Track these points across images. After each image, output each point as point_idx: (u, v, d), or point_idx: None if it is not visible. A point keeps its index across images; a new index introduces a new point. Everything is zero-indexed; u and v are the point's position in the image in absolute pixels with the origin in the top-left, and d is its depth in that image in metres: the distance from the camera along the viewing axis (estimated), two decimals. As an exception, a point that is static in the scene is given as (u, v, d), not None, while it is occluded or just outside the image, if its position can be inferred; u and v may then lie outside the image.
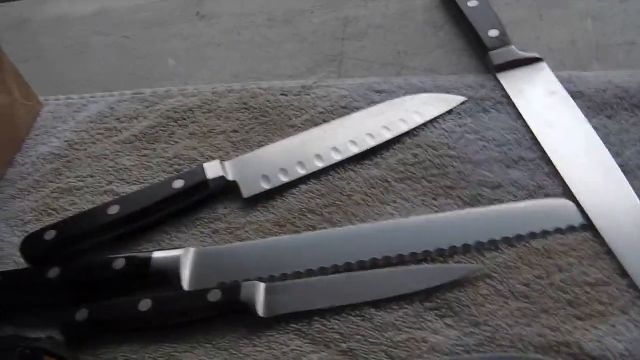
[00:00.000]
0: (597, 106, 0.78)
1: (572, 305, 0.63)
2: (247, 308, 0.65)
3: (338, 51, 0.90)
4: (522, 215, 0.69)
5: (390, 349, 0.63)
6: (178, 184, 0.75)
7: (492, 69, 0.82)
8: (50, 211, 0.80)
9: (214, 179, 0.76)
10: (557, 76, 0.81)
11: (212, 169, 0.76)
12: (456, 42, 0.90)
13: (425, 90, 0.82)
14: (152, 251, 0.71)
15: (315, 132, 0.79)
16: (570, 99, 0.78)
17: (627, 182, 0.70)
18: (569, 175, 0.71)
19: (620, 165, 0.71)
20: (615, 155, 0.73)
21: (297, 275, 0.68)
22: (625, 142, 0.74)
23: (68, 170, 0.84)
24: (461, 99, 0.80)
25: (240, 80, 0.88)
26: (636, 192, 0.69)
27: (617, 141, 0.74)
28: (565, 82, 0.80)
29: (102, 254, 0.73)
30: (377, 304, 0.66)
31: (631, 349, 0.60)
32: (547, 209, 0.69)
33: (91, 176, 0.83)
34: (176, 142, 0.83)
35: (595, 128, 0.75)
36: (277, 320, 0.66)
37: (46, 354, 0.63)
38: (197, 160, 0.80)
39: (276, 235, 0.72)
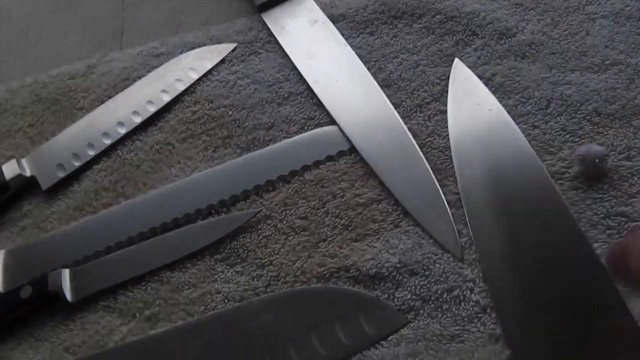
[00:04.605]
0: (358, 25, 0.74)
1: (348, 228, 0.60)
2: (57, 296, 0.62)
3: (119, 23, 0.83)
4: (294, 151, 0.66)
5: (189, 307, 0.60)
6: (-22, 191, 0.69)
7: (256, 10, 0.76)
8: None
9: (13, 179, 0.71)
10: (320, 3, 0.76)
11: (9, 169, 0.71)
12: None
13: (200, 45, 0.77)
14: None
15: (99, 110, 0.74)
16: (331, 24, 0.73)
17: (386, 100, 0.67)
18: (331, 102, 0.67)
19: (384, 80, 0.68)
20: (379, 70, 0.69)
21: (98, 254, 0.64)
22: (387, 55, 0.70)
23: None
24: (232, 46, 0.75)
25: (33, 73, 0.81)
26: (398, 104, 0.67)
27: (380, 56, 0.71)
28: (328, 8, 0.76)
29: None
30: (173, 266, 0.63)
31: (404, 260, 0.58)
32: (316, 139, 0.66)
33: None
34: (-22, 148, 0.76)
35: (358, 47, 0.71)
36: (87, 302, 0.63)
37: None
38: (1, 162, 0.73)
39: (77, 220, 0.67)
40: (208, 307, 0.59)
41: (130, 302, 0.62)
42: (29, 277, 0.65)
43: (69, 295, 0.62)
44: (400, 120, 0.64)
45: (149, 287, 0.62)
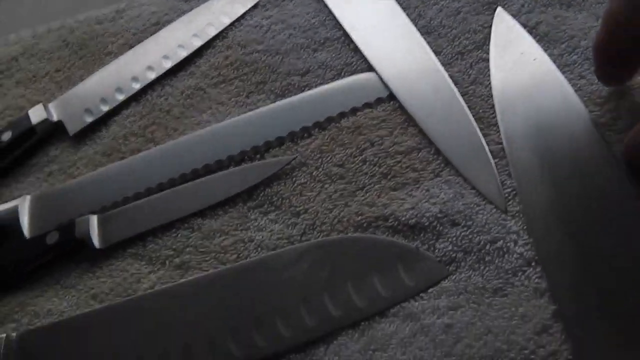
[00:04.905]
0: (398, -30, 0.69)
1: (387, 177, 0.58)
2: (85, 243, 0.59)
3: (147, -33, 0.80)
4: (330, 97, 0.63)
5: (220, 254, 0.58)
6: (6, 136, 0.68)
7: (292, -48, 0.73)
8: None
9: (40, 123, 0.69)
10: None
11: (36, 114, 0.69)
12: None
13: (231, -11, 0.73)
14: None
15: (129, 55, 0.72)
16: (369, -31, 0.69)
17: (427, 46, 0.64)
18: (369, 48, 0.65)
19: (423, 27, 0.65)
20: (418, 17, 0.67)
21: (127, 201, 0.62)
22: (426, 2, 0.68)
23: None
24: (264, -11, 0.71)
25: (60, 17, 0.78)
26: (438, 51, 0.64)
27: (419, 3, 0.68)
28: (365, -48, 0.71)
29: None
30: (204, 213, 0.60)
31: (445, 210, 0.55)
32: (353, 85, 0.63)
33: None
34: (5, 94, 0.75)
35: (397, -7, 0.67)
36: (114, 249, 0.60)
37: None
38: (26, 107, 0.72)
39: (105, 166, 0.65)
40: (240, 255, 0.57)
41: (159, 249, 0.59)
42: (56, 223, 0.62)
43: (96, 242, 0.60)
44: (441, 68, 0.61)
45: (179, 235, 0.59)
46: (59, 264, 0.61)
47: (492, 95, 0.60)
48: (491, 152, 0.57)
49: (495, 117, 0.59)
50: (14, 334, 0.55)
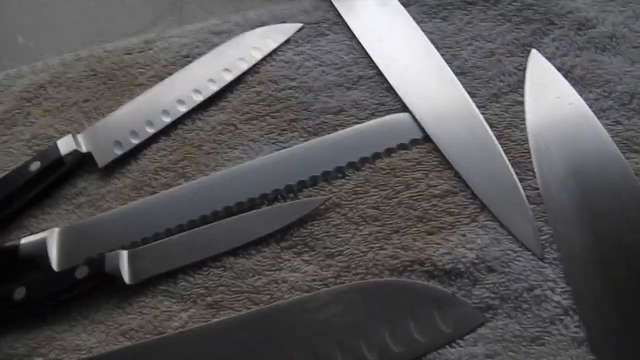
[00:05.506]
0: (431, 10, 0.71)
1: (422, 220, 0.57)
2: (115, 278, 0.59)
3: (177, -3, 0.80)
4: (364, 137, 0.63)
5: (253, 295, 0.57)
6: (35, 166, 0.67)
7: (324, -11, 0.73)
8: None
9: (69, 154, 0.68)
10: (389, -15, 0.71)
11: (65, 145, 0.68)
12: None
13: (263, 23, 0.74)
14: (19, 238, 0.64)
15: (159, 87, 0.71)
16: (402, 7, 0.70)
17: (462, 87, 0.63)
18: (403, 88, 0.65)
19: (458, 67, 0.66)
20: (453, 57, 0.67)
21: (158, 236, 0.61)
22: (461, 42, 0.68)
23: None
24: (297, 26, 0.72)
25: (88, 46, 0.78)
26: (473, 93, 0.64)
27: (454, 43, 0.68)
28: (399, -10, 0.71)
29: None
30: (236, 252, 0.60)
31: (482, 256, 0.55)
32: (388, 126, 0.63)
33: (-46, 172, 0.73)
34: (32, 122, 0.74)
35: (430, 33, 0.69)
36: (145, 285, 0.60)
37: None
38: (54, 137, 0.72)
39: (135, 200, 0.64)
40: (274, 296, 0.56)
41: (190, 287, 0.59)
42: (85, 256, 0.62)
43: (127, 278, 0.59)
44: (477, 110, 0.61)
45: (210, 273, 0.59)
46: (88, 299, 0.60)
47: (527, 140, 0.59)
48: (528, 197, 0.56)
49: (531, 161, 0.58)
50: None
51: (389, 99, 0.65)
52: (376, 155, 0.61)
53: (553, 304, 0.52)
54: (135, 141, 0.68)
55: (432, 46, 0.66)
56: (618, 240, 0.52)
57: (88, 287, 0.60)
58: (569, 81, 0.62)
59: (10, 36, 0.85)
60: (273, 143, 0.65)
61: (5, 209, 0.67)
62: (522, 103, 0.62)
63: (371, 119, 0.64)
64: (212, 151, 0.66)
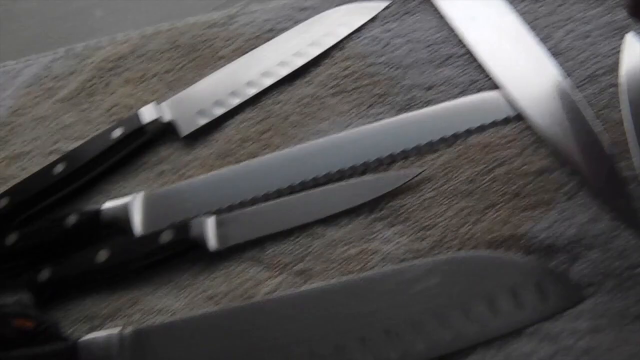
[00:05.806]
0: (522, -9, 0.69)
1: (519, 196, 0.57)
2: (199, 244, 0.59)
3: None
4: (456, 113, 0.62)
5: (344, 264, 0.57)
6: (117, 133, 0.68)
7: (414, -32, 0.73)
8: (1, 180, 0.71)
9: (151, 123, 0.68)
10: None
11: (148, 113, 0.69)
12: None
13: (349, 1, 0.73)
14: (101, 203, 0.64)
15: (244, 60, 0.71)
16: (492, -12, 0.68)
17: (554, 66, 0.63)
18: (496, 67, 0.63)
19: (551, 49, 0.65)
20: (546, 38, 0.66)
21: (244, 204, 0.61)
22: (554, 24, 0.67)
23: (14, 137, 0.75)
24: (385, 3, 0.72)
25: (168, 20, 0.78)
26: (567, 73, 0.63)
27: (546, 24, 0.67)
28: (489, -28, 0.70)
29: (56, 212, 0.66)
30: (326, 221, 0.59)
31: (581, 233, 0.54)
32: (480, 103, 0.62)
33: (36, 139, 0.74)
34: (113, 92, 0.75)
35: (523, 13, 0.68)
36: (231, 252, 0.60)
37: (16, 316, 0.57)
38: (135, 106, 0.72)
39: (219, 169, 0.64)
40: (365, 266, 0.55)
41: (278, 255, 0.59)
42: (168, 222, 0.62)
43: (213, 244, 0.59)
44: (573, 90, 0.60)
45: (299, 242, 0.58)
46: (172, 264, 0.60)
47: (623, 121, 0.58)
48: (627, 178, 0.55)
49: (628, 143, 0.57)
50: (129, 328, 0.54)
51: (481, 77, 0.64)
52: (469, 132, 0.60)
53: (657, 282, 0.50)
54: (219, 111, 0.68)
55: (524, 26, 0.65)
56: None
57: (171, 253, 0.60)
58: (666, 66, 0.61)
59: (89, 10, 0.85)
60: (362, 117, 0.65)
61: (85, 175, 0.67)
62: (617, 85, 0.60)
63: (461, 96, 0.63)
64: (298, 123, 0.66)
